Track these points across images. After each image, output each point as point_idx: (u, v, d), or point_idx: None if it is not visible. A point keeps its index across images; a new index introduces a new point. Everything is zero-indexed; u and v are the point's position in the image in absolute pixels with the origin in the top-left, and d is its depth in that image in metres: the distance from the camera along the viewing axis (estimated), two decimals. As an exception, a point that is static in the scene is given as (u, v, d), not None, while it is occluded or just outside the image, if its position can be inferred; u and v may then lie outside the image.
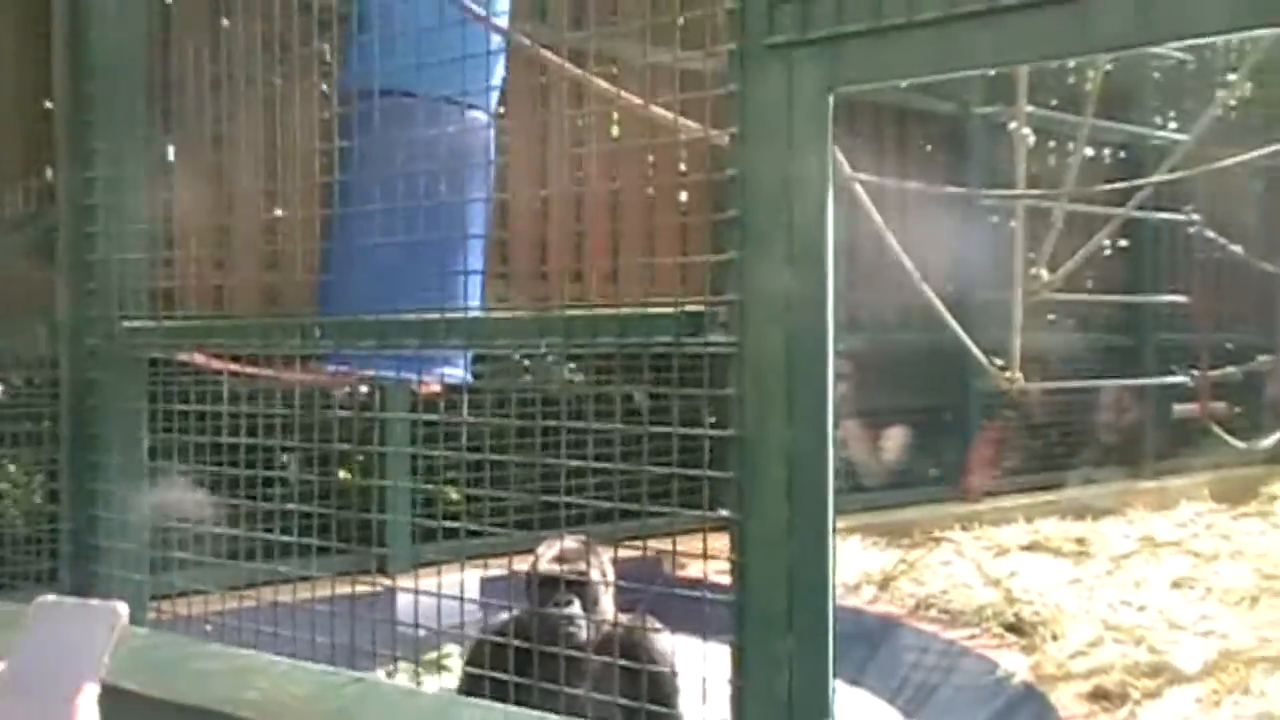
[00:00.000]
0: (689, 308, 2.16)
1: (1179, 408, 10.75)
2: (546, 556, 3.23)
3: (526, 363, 6.87)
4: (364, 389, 6.00)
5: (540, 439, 2.59)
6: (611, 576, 3.27)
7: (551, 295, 7.05)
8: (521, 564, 3.09)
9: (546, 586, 3.13)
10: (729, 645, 2.08)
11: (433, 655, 4.54)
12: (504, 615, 3.06)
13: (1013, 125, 5.88)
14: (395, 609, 3.76)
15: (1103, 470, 10.56)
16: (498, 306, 2.53)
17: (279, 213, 4.22)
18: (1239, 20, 1.73)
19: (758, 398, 2.04)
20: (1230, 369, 10.49)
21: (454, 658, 4.91)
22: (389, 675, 3.84)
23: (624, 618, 3.18)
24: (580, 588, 3.16)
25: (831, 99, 1.97)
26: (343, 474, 6.20)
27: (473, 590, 2.72)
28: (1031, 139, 5.91)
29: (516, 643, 2.52)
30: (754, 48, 2.03)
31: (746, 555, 2.06)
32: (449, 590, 2.62)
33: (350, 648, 2.73)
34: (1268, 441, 10.33)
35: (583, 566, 3.18)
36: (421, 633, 3.05)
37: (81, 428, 3.15)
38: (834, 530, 2.03)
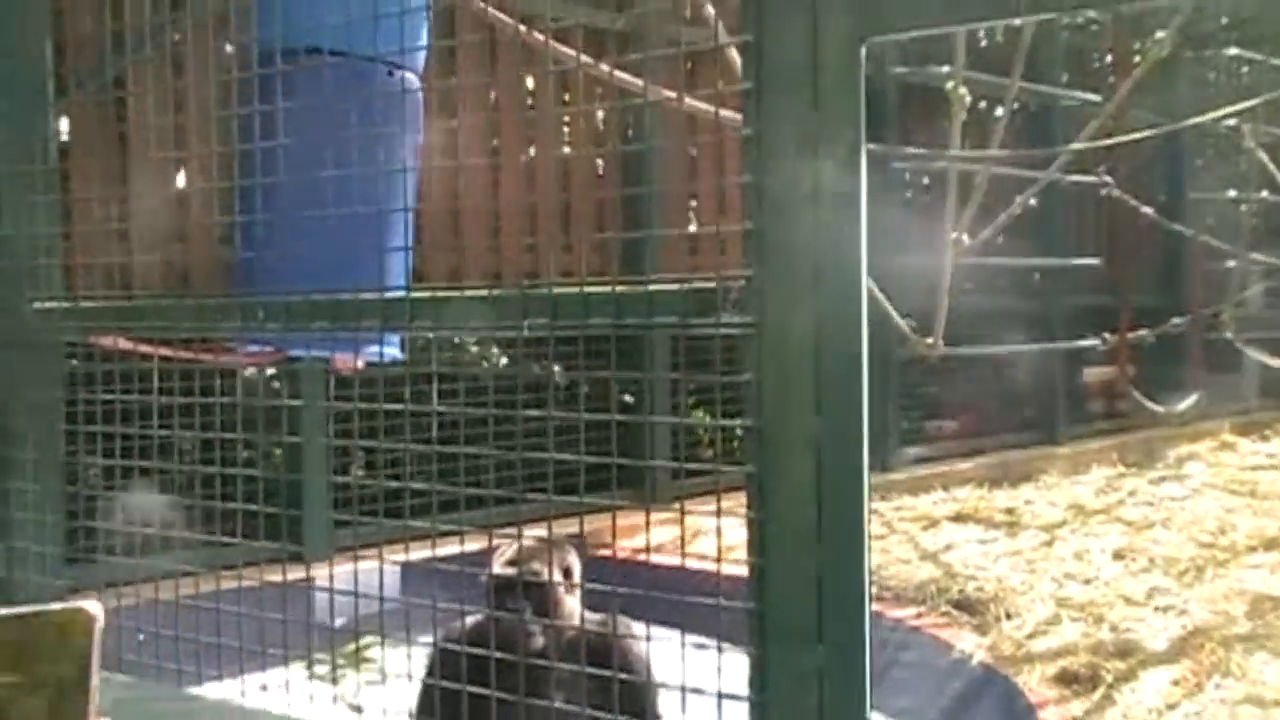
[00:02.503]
0: (698, 284, 1.96)
1: (1090, 372, 10.80)
2: (501, 559, 3.02)
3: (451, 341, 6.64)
4: (270, 370, 5.74)
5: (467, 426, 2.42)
6: (578, 575, 3.07)
7: (503, 271, 6.82)
8: (449, 547, 2.86)
9: (501, 591, 2.92)
10: (748, 657, 1.90)
11: (351, 648, 4.30)
12: (467, 620, 2.85)
13: (949, 85, 5.74)
14: (312, 599, 3.54)
15: (1014, 436, 10.57)
16: (453, 286, 2.32)
17: (182, 183, 3.97)
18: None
19: (779, 383, 1.85)
20: (1143, 332, 10.55)
21: (375, 648, 4.69)
22: (307, 669, 3.63)
23: (593, 618, 2.98)
24: (537, 591, 2.96)
25: (864, 50, 1.79)
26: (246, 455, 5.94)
27: (393, 577, 2.51)
28: (968, 99, 5.77)
29: (478, 651, 2.31)
30: (774, -7, 1.83)
31: (768, 558, 1.88)
32: (369, 576, 2.42)
33: (262, 642, 2.54)
34: (1184, 404, 10.40)
35: (538, 567, 2.97)
36: (340, 623, 2.85)
37: (-10, 420, 2.89)
38: (868, 531, 1.85)
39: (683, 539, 2.13)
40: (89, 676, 1.16)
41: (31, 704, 1.14)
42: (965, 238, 7.62)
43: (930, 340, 7.68)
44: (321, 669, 2.94)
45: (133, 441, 2.77)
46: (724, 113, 2.05)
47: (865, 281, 1.82)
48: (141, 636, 2.68)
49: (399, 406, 2.47)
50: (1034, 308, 10.88)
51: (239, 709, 2.39)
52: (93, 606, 1.18)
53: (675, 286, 1.99)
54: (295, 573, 2.74)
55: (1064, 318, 10.85)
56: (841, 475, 1.82)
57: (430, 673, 2.83)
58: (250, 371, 5.23)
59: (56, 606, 1.20)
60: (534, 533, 2.65)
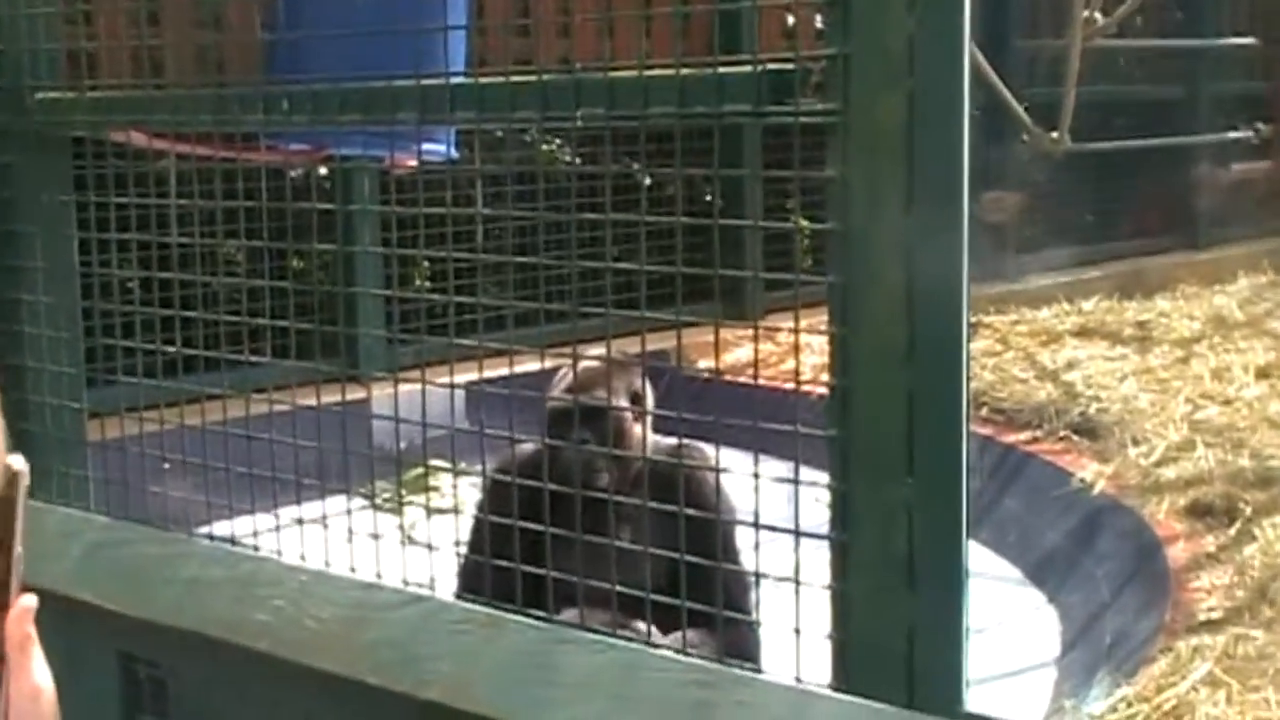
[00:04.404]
0: (774, 66, 1.87)
1: (1239, 167, 10.51)
2: (559, 386, 2.98)
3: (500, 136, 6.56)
4: (323, 170, 5.71)
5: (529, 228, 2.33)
6: (650, 400, 3.02)
7: (536, 54, 6.69)
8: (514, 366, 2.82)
9: (559, 420, 2.88)
10: (829, 490, 1.85)
11: (416, 472, 4.33)
12: (527, 447, 2.82)
13: None
14: (370, 421, 3.53)
15: (1150, 241, 10.35)
16: (496, 71, 2.23)
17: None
18: None
19: (866, 179, 1.77)
20: (1303, 122, 10.24)
21: (441, 475, 4.71)
22: (367, 498, 3.63)
23: (665, 443, 2.94)
24: (598, 419, 2.92)
25: None
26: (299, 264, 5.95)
27: (459, 398, 2.47)
28: None
29: (531, 482, 2.28)
30: None
31: (852, 378, 1.81)
32: (432, 398, 2.37)
33: (318, 470, 2.52)
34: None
35: (601, 394, 2.93)
36: (402, 447, 2.84)
37: (-6, 226, 2.87)
38: (967, 347, 1.78)
39: (755, 355, 2.07)
40: (11, 541, 1.11)
41: None
42: (1098, 16, 7.40)
43: (1055, 133, 7.51)
44: (364, 499, 2.94)
45: (164, 250, 2.74)
46: None
47: (969, 59, 1.72)
48: (167, 465, 2.68)
49: (440, 210, 2.41)
50: (1175, 95, 10.56)
51: (226, 553, 2.38)
52: (16, 461, 1.13)
53: (748, 69, 1.90)
54: (335, 395, 2.70)
55: (1210, 106, 10.53)
56: (937, 284, 1.75)
57: (482, 507, 2.82)
58: (297, 172, 5.21)
59: None
60: (602, 351, 2.61)
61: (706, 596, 2.11)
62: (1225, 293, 8.55)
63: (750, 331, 2.30)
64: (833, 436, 1.84)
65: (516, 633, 2.00)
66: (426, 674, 1.98)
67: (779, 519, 1.96)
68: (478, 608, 2.07)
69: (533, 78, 2.12)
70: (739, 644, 2.69)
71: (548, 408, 2.90)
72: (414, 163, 3.58)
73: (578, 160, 7.30)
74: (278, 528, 2.53)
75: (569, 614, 2.20)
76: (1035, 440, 5.73)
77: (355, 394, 5.48)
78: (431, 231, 3.39)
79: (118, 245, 2.84)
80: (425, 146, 3.45)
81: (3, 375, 2.83)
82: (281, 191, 2.71)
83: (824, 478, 1.85)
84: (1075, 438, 5.60)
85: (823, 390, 1.87)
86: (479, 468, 2.76)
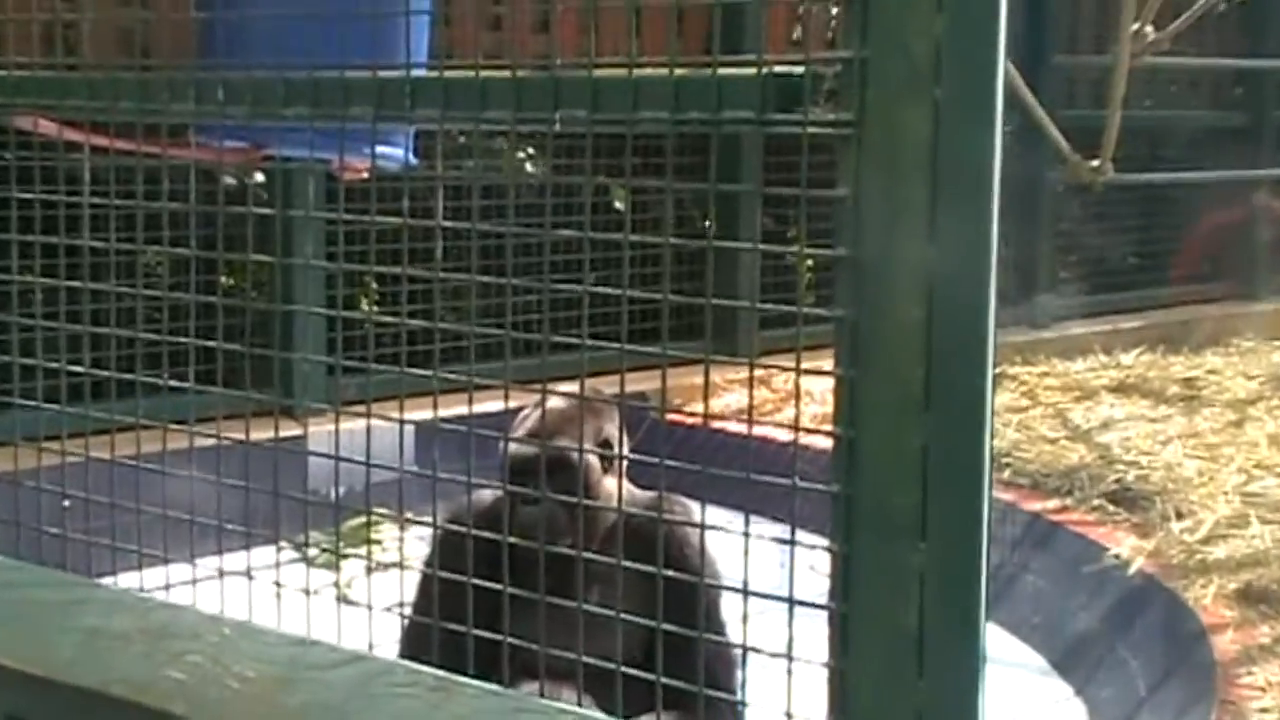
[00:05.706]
0: (780, 69, 1.88)
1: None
2: (520, 428, 2.98)
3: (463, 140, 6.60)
4: (260, 176, 5.71)
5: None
6: (624, 446, 3.03)
7: (511, 49, 6.73)
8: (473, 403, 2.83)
9: (519, 472, 2.88)
10: (830, 553, 1.85)
11: (357, 522, 4.32)
12: (485, 495, 2.84)
13: None
14: (306, 461, 3.54)
15: (1200, 287, 10.42)
16: (464, 65, 2.25)
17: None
18: None
19: (883, 200, 1.78)
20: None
21: (384, 526, 4.71)
22: (299, 549, 3.62)
23: (641, 496, 2.95)
24: (563, 469, 2.92)
25: None
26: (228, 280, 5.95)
27: (408, 437, 2.47)
28: None
29: (487, 534, 2.29)
30: None
31: (860, 428, 1.82)
32: (377, 436, 2.37)
33: (244, 515, 2.52)
34: None
35: (565, 439, 2.94)
36: (341, 492, 2.84)
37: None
38: (992, 397, 1.79)
39: (750, 399, 2.08)
40: None
41: None
42: (1149, 30, 7.45)
43: (1096, 162, 7.55)
44: (296, 551, 2.93)
45: (74, 257, 2.74)
46: None
47: (1003, 61, 1.73)
48: (67, 504, 2.68)
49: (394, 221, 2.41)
50: (1235, 122, 10.64)
51: (135, 600, 2.37)
52: None
53: (751, 72, 1.91)
54: (266, 429, 2.69)
55: (1274, 135, 10.61)
56: (961, 323, 1.76)
57: (431, 562, 2.82)
58: (230, 178, 5.21)
59: None
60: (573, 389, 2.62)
61: (685, 672, 2.10)
62: (1287, 349, 8.62)
63: (742, 375, 2.31)
64: (836, 493, 1.84)
65: (470, 699, 1.99)
66: (364, 745, 1.97)
67: (771, 586, 1.96)
68: (426, 669, 2.06)
69: (505, 74, 2.13)
70: (720, 728, 2.69)
71: (507, 453, 2.91)
72: (366, 169, 3.60)
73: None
74: (194, 580, 2.52)
75: (528, 688, 2.20)
76: (1064, 509, 5.76)
77: (289, 429, 5.50)
78: (383, 246, 3.41)
79: (19, 249, 2.83)
80: (380, 150, 3.47)
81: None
82: (212, 195, 2.71)
83: (823, 542, 1.86)
84: (1110, 508, 5.62)
85: (825, 442, 1.88)
86: (428, 518, 2.77)
